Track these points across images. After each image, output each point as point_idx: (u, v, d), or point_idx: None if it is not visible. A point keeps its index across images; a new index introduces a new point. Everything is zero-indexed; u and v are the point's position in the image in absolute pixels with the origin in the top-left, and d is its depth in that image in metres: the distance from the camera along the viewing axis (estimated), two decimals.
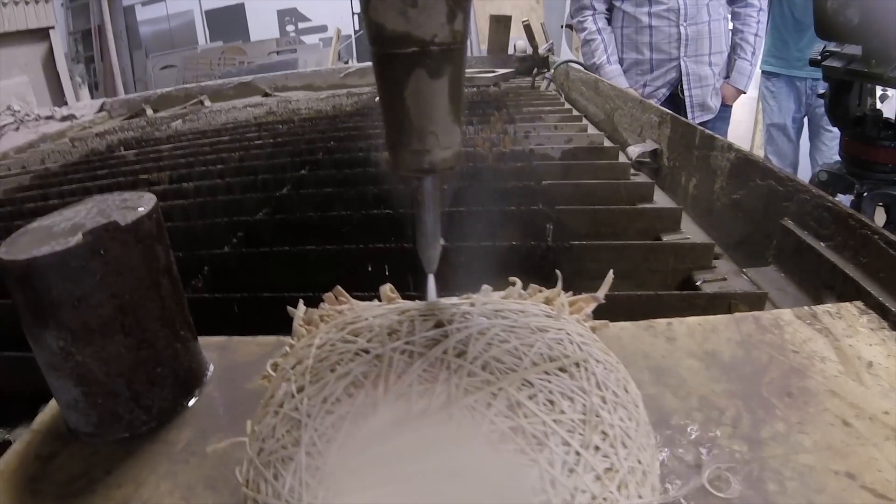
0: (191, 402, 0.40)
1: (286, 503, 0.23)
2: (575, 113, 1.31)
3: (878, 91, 1.18)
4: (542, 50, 1.84)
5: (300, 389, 0.27)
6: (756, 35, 1.78)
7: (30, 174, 1.24)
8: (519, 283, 0.34)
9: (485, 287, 0.33)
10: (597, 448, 0.23)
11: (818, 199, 0.55)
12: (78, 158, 1.33)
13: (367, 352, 0.27)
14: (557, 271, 0.35)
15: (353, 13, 4.70)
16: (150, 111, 2.00)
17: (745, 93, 1.86)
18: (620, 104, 1.14)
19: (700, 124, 0.98)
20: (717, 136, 0.77)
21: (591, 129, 1.19)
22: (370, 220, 0.74)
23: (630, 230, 0.72)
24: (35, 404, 0.42)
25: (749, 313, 0.45)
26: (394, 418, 0.24)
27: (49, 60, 3.45)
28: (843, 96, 1.05)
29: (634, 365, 0.39)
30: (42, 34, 3.39)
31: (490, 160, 0.94)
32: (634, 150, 0.96)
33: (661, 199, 0.84)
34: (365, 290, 0.49)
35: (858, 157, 1.04)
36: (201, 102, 2.01)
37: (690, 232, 0.73)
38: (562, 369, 0.26)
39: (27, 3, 3.18)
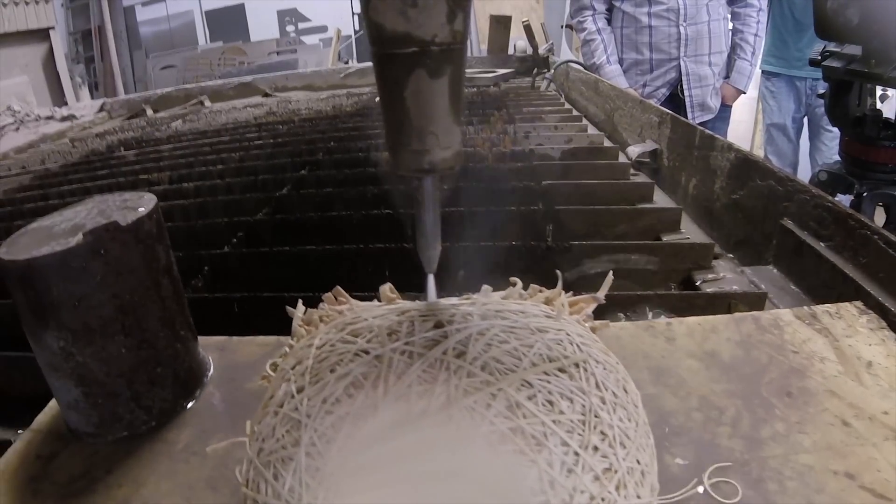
0: (191, 403, 0.40)
1: (286, 503, 0.23)
2: (575, 113, 1.31)
3: (878, 91, 1.18)
4: (542, 50, 1.84)
5: (300, 390, 0.27)
6: (756, 35, 1.78)
7: (30, 174, 1.24)
8: (519, 283, 0.34)
9: (485, 287, 0.33)
10: (596, 448, 0.23)
11: (818, 199, 0.55)
12: (78, 159, 1.33)
13: (366, 352, 0.27)
14: (558, 271, 0.35)
15: (354, 13, 4.69)
16: (150, 111, 2.00)
17: (744, 93, 1.86)
18: (620, 104, 1.14)
19: (700, 124, 0.98)
20: (716, 136, 0.77)
21: (591, 130, 1.19)
22: (370, 220, 0.74)
23: (630, 230, 0.72)
24: (35, 404, 0.42)
25: (749, 313, 0.45)
26: (393, 419, 0.24)
27: (49, 61, 3.45)
28: (843, 96, 1.05)
29: (634, 365, 0.39)
30: (42, 34, 3.39)
31: (490, 160, 0.94)
32: (634, 151, 0.96)
33: (660, 200, 0.84)
34: (365, 290, 0.49)
35: (858, 158, 1.04)
36: (201, 103, 2.01)
37: (690, 232, 0.73)
38: (561, 370, 0.26)
39: (27, 4, 3.18)
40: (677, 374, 0.39)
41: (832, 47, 1.01)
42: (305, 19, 4.85)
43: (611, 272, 0.36)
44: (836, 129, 1.23)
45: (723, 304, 0.53)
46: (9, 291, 0.34)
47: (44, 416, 0.39)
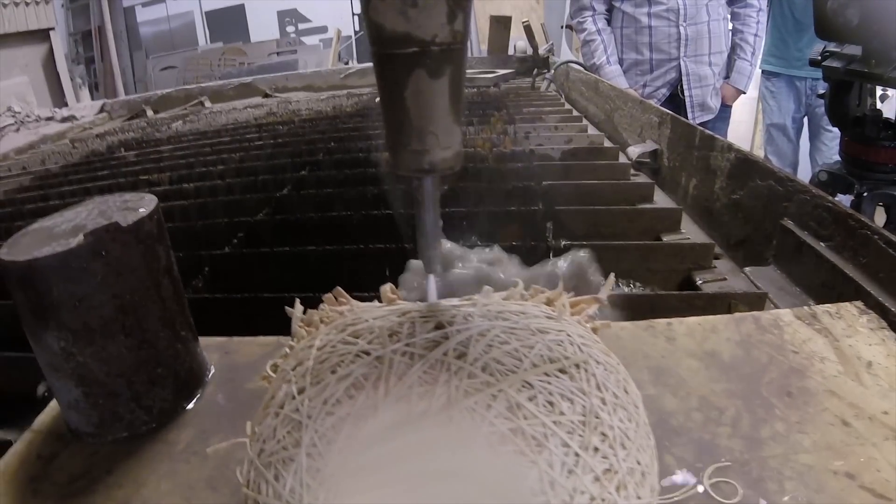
0: (191, 403, 0.40)
1: (287, 503, 0.23)
2: (575, 113, 1.31)
3: (878, 91, 1.18)
4: (542, 50, 1.84)
5: (301, 391, 0.27)
6: (756, 35, 1.78)
7: (30, 175, 1.24)
8: (521, 283, 0.34)
9: (486, 288, 0.33)
10: (596, 449, 0.23)
11: (818, 199, 0.55)
12: (78, 159, 1.33)
13: (367, 353, 0.27)
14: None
15: (354, 14, 4.69)
16: (150, 112, 2.00)
17: (744, 93, 1.86)
18: (620, 104, 1.14)
19: (700, 124, 0.98)
20: (716, 136, 0.77)
21: (592, 130, 1.19)
22: (370, 221, 0.74)
23: (630, 230, 0.72)
24: (36, 405, 0.42)
25: (749, 313, 0.45)
26: (394, 420, 0.24)
27: (49, 61, 3.45)
28: (843, 96, 1.05)
29: (634, 365, 0.39)
30: (42, 35, 3.39)
31: (490, 160, 0.94)
32: (634, 151, 0.96)
33: (661, 200, 0.84)
34: (365, 290, 0.49)
35: (858, 158, 1.04)
36: (202, 103, 2.01)
37: (690, 232, 0.74)
38: (562, 371, 0.26)
39: (27, 5, 3.19)
40: (677, 374, 0.39)
41: (832, 47, 1.01)
42: (305, 20, 4.85)
43: (612, 275, 0.36)
44: (836, 129, 1.23)
45: (723, 304, 0.53)
46: (9, 292, 0.34)
47: (44, 416, 0.39)
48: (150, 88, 4.16)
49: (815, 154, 2.06)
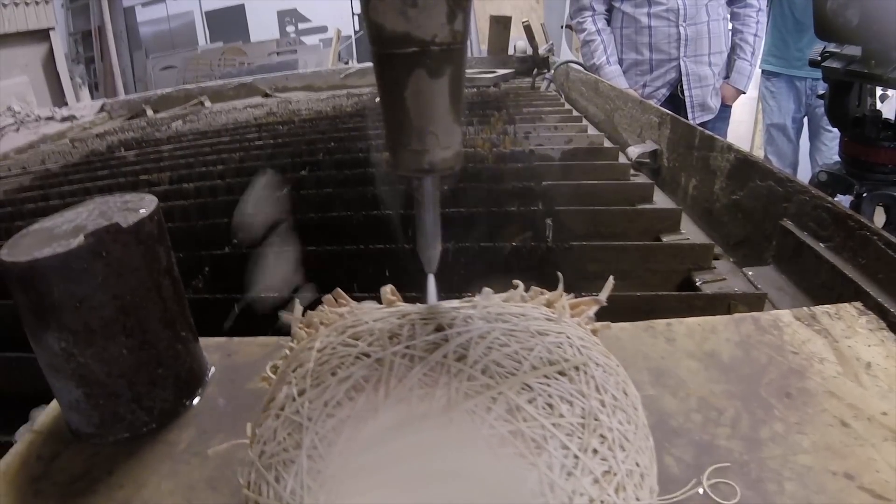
0: (192, 403, 0.40)
1: None
2: (575, 113, 1.31)
3: (878, 91, 1.18)
4: (542, 50, 1.84)
5: (301, 393, 0.27)
6: (755, 35, 1.78)
7: (30, 175, 1.24)
8: (521, 285, 0.34)
9: (486, 290, 0.33)
10: (595, 451, 0.24)
11: (817, 199, 0.55)
12: (78, 159, 1.33)
13: (367, 355, 0.27)
14: (559, 273, 0.35)
15: (354, 14, 4.69)
16: (150, 112, 2.00)
17: (744, 93, 1.86)
18: (620, 105, 1.14)
19: (700, 124, 0.98)
20: (716, 136, 0.77)
21: (591, 130, 1.19)
22: (370, 221, 0.74)
23: (630, 231, 0.72)
24: (37, 405, 0.43)
25: (748, 314, 0.45)
26: (394, 422, 0.24)
27: (49, 61, 3.45)
28: (843, 97, 1.05)
29: (634, 366, 0.40)
30: (42, 35, 3.39)
31: (490, 161, 0.94)
32: (634, 151, 0.96)
33: (660, 200, 0.84)
34: (365, 290, 0.49)
35: (858, 158, 1.04)
36: (201, 103, 2.01)
37: (690, 232, 0.74)
38: (561, 373, 0.26)
39: (27, 4, 3.18)
40: (677, 374, 0.39)
41: (832, 48, 1.01)
42: (305, 20, 4.84)
43: (611, 277, 0.36)
44: (836, 130, 1.23)
45: (722, 304, 0.53)
46: (10, 292, 0.34)
47: (45, 416, 0.40)
48: (150, 88, 4.16)
49: (815, 154, 2.06)
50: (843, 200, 1.04)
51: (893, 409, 0.34)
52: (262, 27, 4.80)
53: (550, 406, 0.25)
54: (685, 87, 1.75)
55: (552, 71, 1.72)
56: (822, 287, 0.52)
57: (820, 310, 0.44)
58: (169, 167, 1.11)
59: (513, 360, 0.26)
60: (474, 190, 0.80)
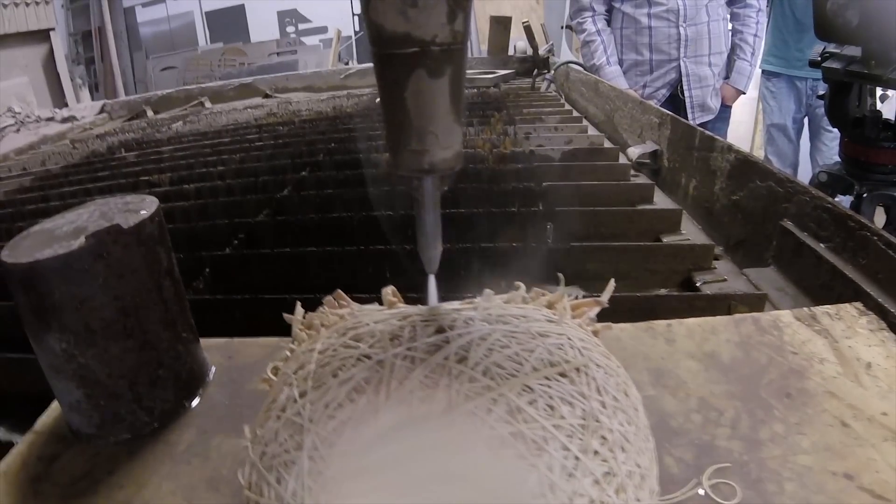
0: (193, 404, 0.40)
1: None
2: (575, 114, 1.31)
3: (878, 92, 1.18)
4: (542, 51, 1.84)
5: (302, 394, 0.27)
6: (755, 35, 1.79)
7: (30, 176, 1.24)
8: (523, 286, 0.34)
9: (487, 291, 0.33)
10: (596, 452, 0.24)
11: (817, 200, 0.55)
12: (78, 160, 1.33)
13: (368, 357, 0.27)
14: (560, 274, 0.35)
15: (354, 14, 4.69)
16: (150, 113, 2.00)
17: (744, 93, 1.86)
18: (620, 105, 1.14)
19: (700, 125, 0.98)
20: (716, 137, 0.77)
21: (592, 131, 1.19)
22: (371, 222, 0.74)
23: (630, 231, 0.72)
24: (37, 406, 0.43)
25: (748, 315, 0.45)
26: (395, 423, 0.24)
27: (49, 62, 3.45)
28: (843, 97, 1.05)
29: (634, 366, 0.40)
30: (42, 35, 3.39)
31: (490, 161, 0.94)
32: (634, 152, 0.96)
33: (661, 201, 0.84)
34: (366, 291, 0.49)
35: (858, 159, 1.04)
36: (202, 104, 2.01)
37: (690, 233, 0.74)
38: (562, 374, 0.26)
39: (27, 5, 3.18)
40: (677, 375, 0.39)
41: (832, 48, 1.01)
42: (306, 20, 4.84)
43: (612, 280, 0.36)
44: (836, 130, 1.23)
45: (723, 305, 0.53)
46: (11, 293, 0.34)
47: (46, 417, 0.40)
48: (150, 89, 4.16)
49: (815, 154, 2.06)
50: (843, 201, 1.04)
51: (893, 410, 0.34)
52: (263, 27, 4.80)
53: (551, 407, 0.25)
54: (685, 87, 1.75)
55: (552, 71, 1.73)
56: (822, 287, 0.52)
57: (820, 310, 0.44)
58: (169, 168, 1.11)
59: (514, 362, 0.26)
60: (474, 190, 0.80)
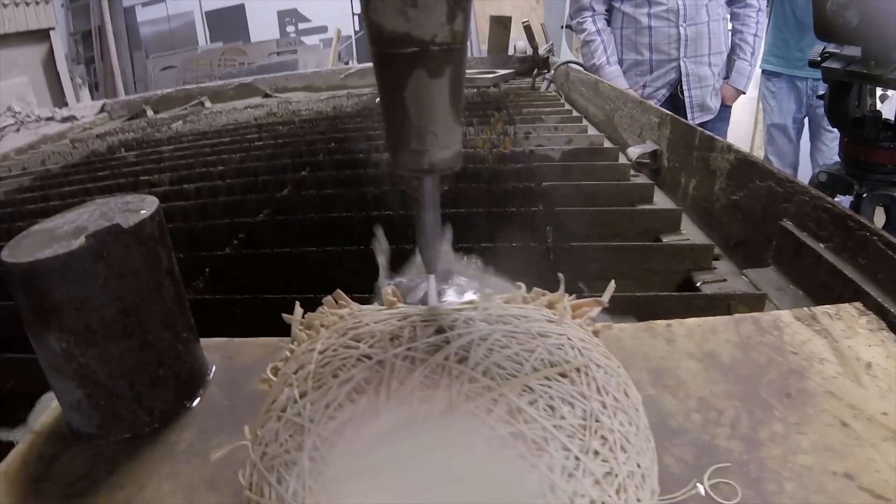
0: (193, 403, 0.40)
1: None
2: (575, 114, 1.31)
3: (878, 92, 1.18)
4: (542, 51, 1.84)
5: (303, 395, 0.27)
6: (755, 35, 1.79)
7: (30, 175, 1.24)
8: (523, 287, 0.34)
9: (487, 291, 0.33)
10: (596, 453, 0.24)
11: (817, 200, 0.55)
12: (78, 160, 1.33)
13: (368, 357, 0.27)
14: (560, 274, 0.35)
15: (354, 14, 4.69)
16: (150, 112, 2.00)
17: (744, 93, 1.86)
18: (620, 105, 1.14)
19: (700, 125, 0.98)
20: (716, 137, 0.77)
21: (592, 130, 1.19)
22: (371, 221, 0.74)
23: (630, 231, 0.72)
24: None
25: (748, 314, 0.45)
26: (395, 424, 0.24)
27: (49, 61, 3.45)
28: (843, 97, 1.05)
29: (634, 366, 0.40)
30: (42, 35, 3.39)
31: (490, 161, 0.94)
32: (634, 151, 0.96)
33: (660, 200, 0.84)
34: (366, 291, 0.49)
35: (858, 159, 1.04)
36: (202, 103, 2.01)
37: (690, 233, 0.74)
38: (562, 375, 0.26)
39: (27, 4, 3.18)
40: (677, 375, 0.39)
41: (831, 48, 1.01)
42: (305, 20, 4.84)
43: (612, 282, 0.36)
44: (836, 130, 1.23)
45: (722, 305, 0.53)
46: (11, 293, 0.34)
47: (46, 417, 0.40)
48: (150, 88, 4.16)
49: (815, 154, 2.06)
50: (843, 201, 1.04)
51: (893, 410, 0.34)
52: (262, 27, 4.80)
53: (551, 408, 0.25)
54: (685, 87, 1.75)
55: (552, 71, 1.72)
56: (822, 287, 0.52)
57: (820, 310, 0.44)
58: (169, 168, 1.11)
59: (514, 362, 0.26)
60: (474, 190, 0.80)
